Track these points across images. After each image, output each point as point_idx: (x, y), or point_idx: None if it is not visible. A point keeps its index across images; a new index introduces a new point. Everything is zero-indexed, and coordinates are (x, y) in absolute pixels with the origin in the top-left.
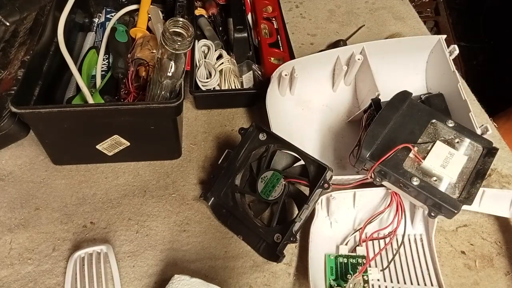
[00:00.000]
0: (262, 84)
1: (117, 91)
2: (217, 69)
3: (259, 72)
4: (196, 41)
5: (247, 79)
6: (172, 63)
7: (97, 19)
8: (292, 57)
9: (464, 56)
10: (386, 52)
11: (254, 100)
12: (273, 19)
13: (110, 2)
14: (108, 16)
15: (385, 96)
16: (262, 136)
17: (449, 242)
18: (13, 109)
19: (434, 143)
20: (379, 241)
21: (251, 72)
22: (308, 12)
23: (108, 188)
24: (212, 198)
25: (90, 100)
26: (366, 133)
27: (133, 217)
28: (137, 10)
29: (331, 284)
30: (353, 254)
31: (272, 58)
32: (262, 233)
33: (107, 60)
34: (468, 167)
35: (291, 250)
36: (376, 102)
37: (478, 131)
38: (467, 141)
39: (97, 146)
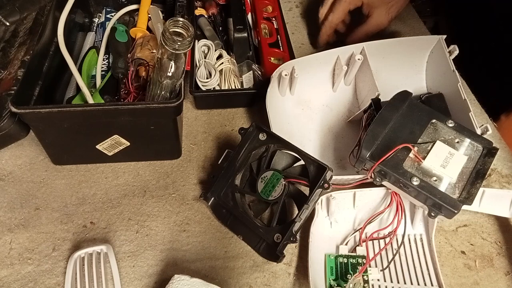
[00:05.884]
0: (262, 84)
1: (117, 91)
2: (217, 69)
3: (259, 72)
4: (196, 41)
5: (247, 79)
6: (172, 63)
7: (97, 19)
8: (292, 57)
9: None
10: (386, 52)
11: (254, 100)
12: (273, 19)
13: (110, 2)
14: (108, 16)
15: (385, 96)
16: (262, 136)
17: (449, 242)
18: (13, 109)
19: (434, 143)
20: (379, 241)
21: (251, 72)
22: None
23: (108, 188)
24: (212, 198)
25: (90, 100)
26: (366, 133)
27: (133, 217)
28: (137, 10)
29: (331, 284)
30: (353, 254)
31: (272, 58)
32: (262, 233)
33: (107, 60)
34: (468, 167)
35: (291, 250)
36: (376, 102)
37: (478, 131)
38: (467, 141)
39: (97, 146)
